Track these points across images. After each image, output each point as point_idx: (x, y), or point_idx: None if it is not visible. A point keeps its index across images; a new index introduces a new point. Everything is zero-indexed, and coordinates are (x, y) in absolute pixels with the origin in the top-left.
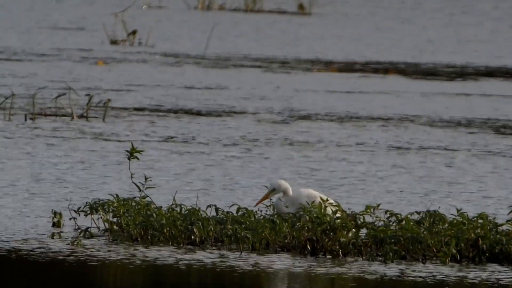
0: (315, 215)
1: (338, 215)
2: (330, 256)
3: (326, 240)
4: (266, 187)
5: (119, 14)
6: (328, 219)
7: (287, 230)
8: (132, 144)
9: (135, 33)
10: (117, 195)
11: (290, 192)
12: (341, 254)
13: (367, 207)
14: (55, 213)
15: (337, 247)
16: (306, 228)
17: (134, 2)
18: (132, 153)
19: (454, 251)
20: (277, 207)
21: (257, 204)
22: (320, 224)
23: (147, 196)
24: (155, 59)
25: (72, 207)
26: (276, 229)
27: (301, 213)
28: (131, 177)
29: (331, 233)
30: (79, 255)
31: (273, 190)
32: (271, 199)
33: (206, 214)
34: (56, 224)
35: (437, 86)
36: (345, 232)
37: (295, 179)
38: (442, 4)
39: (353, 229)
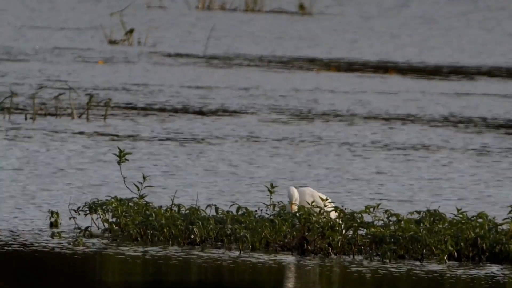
0: (304, 216)
1: (325, 214)
2: (321, 255)
3: (317, 239)
4: (266, 186)
5: (117, 13)
6: (314, 219)
7: (287, 230)
8: (119, 149)
9: (132, 31)
10: (115, 196)
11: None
12: (332, 253)
13: (367, 206)
14: (52, 212)
15: (327, 245)
16: (300, 227)
17: (133, 1)
18: (121, 157)
19: (451, 248)
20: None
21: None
22: (309, 224)
23: (145, 196)
24: (155, 58)
25: (72, 207)
26: (276, 229)
27: (301, 212)
28: (124, 181)
29: (322, 233)
30: (79, 255)
31: (294, 201)
32: (271, 199)
33: (206, 214)
34: (54, 224)
35: (437, 86)
36: (342, 231)
37: (295, 178)
38: (443, 4)
39: (346, 229)
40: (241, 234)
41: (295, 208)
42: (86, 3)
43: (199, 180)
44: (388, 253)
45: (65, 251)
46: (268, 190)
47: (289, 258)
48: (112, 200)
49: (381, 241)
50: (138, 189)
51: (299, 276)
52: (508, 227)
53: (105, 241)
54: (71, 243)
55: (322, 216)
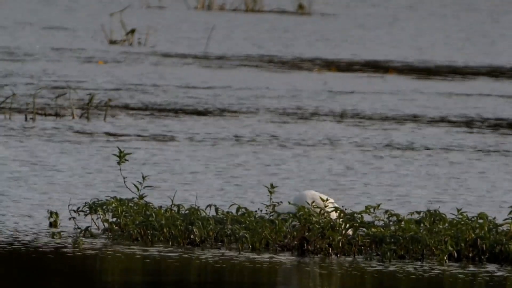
0: (304, 216)
1: (326, 215)
2: (321, 255)
3: (317, 239)
4: (266, 186)
5: (117, 14)
6: (315, 219)
7: (287, 230)
8: (119, 149)
9: (133, 32)
10: (115, 196)
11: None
12: (332, 253)
13: (367, 207)
14: (51, 213)
15: (327, 246)
16: (300, 228)
17: (133, 2)
18: (121, 157)
19: (451, 249)
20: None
21: None
22: (309, 224)
23: (145, 196)
24: (155, 58)
25: (72, 207)
26: (276, 229)
27: (301, 213)
28: (124, 182)
29: (322, 233)
30: (79, 255)
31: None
32: (271, 199)
33: (206, 214)
34: (53, 224)
35: (437, 86)
36: (341, 231)
37: (295, 179)
38: (442, 4)
39: (348, 229)
40: (240, 234)
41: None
42: (86, 3)
43: (199, 180)
44: (388, 253)
45: (65, 251)
46: (268, 190)
47: (289, 259)
48: (112, 200)
49: (381, 241)
50: (138, 189)
51: (299, 276)
52: (509, 228)
53: (105, 241)
54: (71, 243)
55: (323, 217)
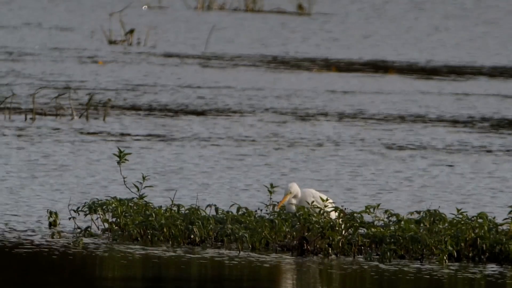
0: (303, 216)
1: (326, 215)
2: (321, 255)
3: (316, 239)
4: (266, 186)
5: (117, 14)
6: (314, 219)
7: (286, 230)
8: (119, 149)
9: (132, 32)
10: (115, 196)
11: (299, 194)
12: (332, 253)
13: (367, 207)
14: (50, 212)
15: (327, 246)
16: (300, 228)
17: (132, 2)
18: (121, 157)
19: (451, 249)
20: (287, 207)
21: (278, 206)
22: (309, 224)
23: (145, 196)
24: (155, 59)
25: (72, 207)
26: (276, 229)
27: (301, 212)
28: (124, 182)
29: (322, 233)
30: (79, 254)
31: (289, 193)
32: (271, 199)
33: (206, 214)
34: (53, 224)
35: (437, 86)
36: (340, 232)
37: (294, 179)
38: (442, 4)
39: (346, 229)
40: (240, 234)
41: (288, 199)
42: (86, 3)
43: (199, 180)
44: (388, 253)
45: (65, 251)
46: (268, 190)
47: (289, 258)
48: (112, 200)
49: (381, 241)
50: (138, 189)
51: (299, 276)
52: (508, 227)
53: (105, 241)
54: (71, 243)
55: (322, 217)
